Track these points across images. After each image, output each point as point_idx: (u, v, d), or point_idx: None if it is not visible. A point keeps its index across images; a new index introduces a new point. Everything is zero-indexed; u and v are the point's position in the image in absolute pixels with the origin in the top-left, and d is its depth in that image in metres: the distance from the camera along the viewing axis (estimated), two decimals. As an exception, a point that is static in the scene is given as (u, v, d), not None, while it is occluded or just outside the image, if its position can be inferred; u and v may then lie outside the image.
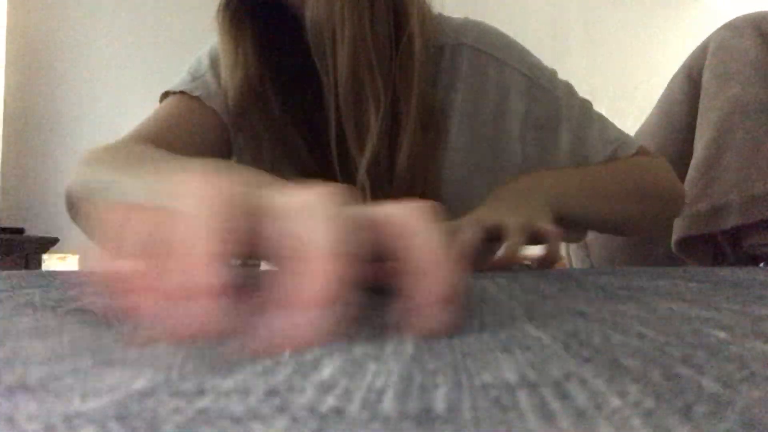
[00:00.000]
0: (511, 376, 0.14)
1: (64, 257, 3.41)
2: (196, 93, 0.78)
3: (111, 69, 3.44)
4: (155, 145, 0.73)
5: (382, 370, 0.15)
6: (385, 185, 0.75)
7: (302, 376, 0.14)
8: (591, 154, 0.81)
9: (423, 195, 0.74)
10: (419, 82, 0.73)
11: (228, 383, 0.13)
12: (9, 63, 3.40)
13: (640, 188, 0.81)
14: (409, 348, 0.18)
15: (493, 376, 0.14)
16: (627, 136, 0.85)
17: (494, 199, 0.69)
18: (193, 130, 0.78)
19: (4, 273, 0.52)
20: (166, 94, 0.82)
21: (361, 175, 0.73)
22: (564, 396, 0.13)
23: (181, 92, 0.79)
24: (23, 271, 0.56)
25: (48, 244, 2.97)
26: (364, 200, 0.74)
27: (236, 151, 0.80)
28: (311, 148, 0.78)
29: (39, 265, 2.95)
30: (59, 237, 3.02)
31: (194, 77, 0.81)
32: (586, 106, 0.85)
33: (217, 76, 0.80)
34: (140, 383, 0.13)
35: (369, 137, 0.72)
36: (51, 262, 3.26)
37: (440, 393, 0.13)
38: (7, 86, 3.39)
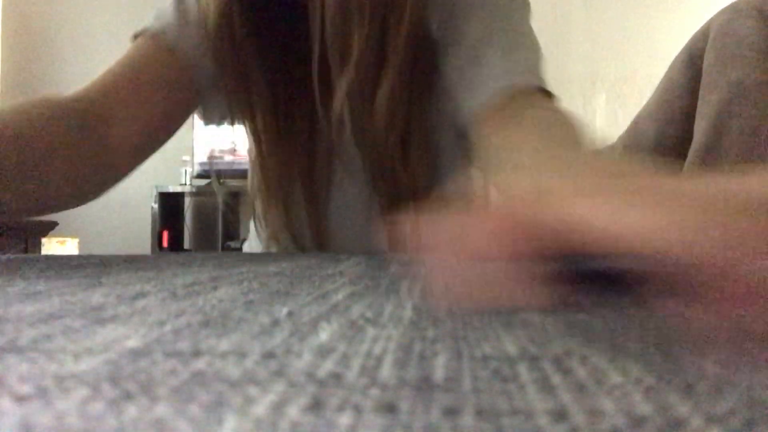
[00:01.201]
0: (511, 348, 0.14)
1: (64, 241, 3.41)
2: (164, 37, 0.72)
3: (108, 53, 3.43)
4: (117, 90, 0.69)
5: (381, 335, 0.15)
6: (365, 119, 0.70)
7: (300, 339, 0.14)
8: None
9: (406, 135, 0.71)
10: (411, 14, 0.68)
11: (224, 344, 0.13)
12: (5, 47, 3.40)
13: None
14: (408, 313, 0.18)
15: (493, 348, 0.14)
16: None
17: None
18: (152, 73, 0.72)
19: (3, 257, 0.52)
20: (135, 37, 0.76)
21: (338, 103, 0.69)
22: (565, 370, 0.13)
23: (146, 33, 0.73)
24: (22, 256, 0.56)
25: (47, 228, 2.97)
26: (343, 131, 0.71)
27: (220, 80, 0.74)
28: (292, 77, 0.74)
29: (39, 248, 2.96)
30: (58, 221, 3.03)
31: (158, 16, 0.75)
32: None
33: (179, 11, 0.74)
34: (133, 342, 0.13)
35: (350, 64, 0.68)
36: (50, 246, 3.27)
37: (440, 362, 0.13)
38: (4, 72, 3.38)
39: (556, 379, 0.12)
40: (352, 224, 0.78)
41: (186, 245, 3.78)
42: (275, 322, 0.16)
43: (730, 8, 0.96)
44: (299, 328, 0.15)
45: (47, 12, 3.46)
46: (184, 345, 0.13)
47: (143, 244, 3.66)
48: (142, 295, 0.21)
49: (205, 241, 3.78)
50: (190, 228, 3.81)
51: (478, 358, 0.13)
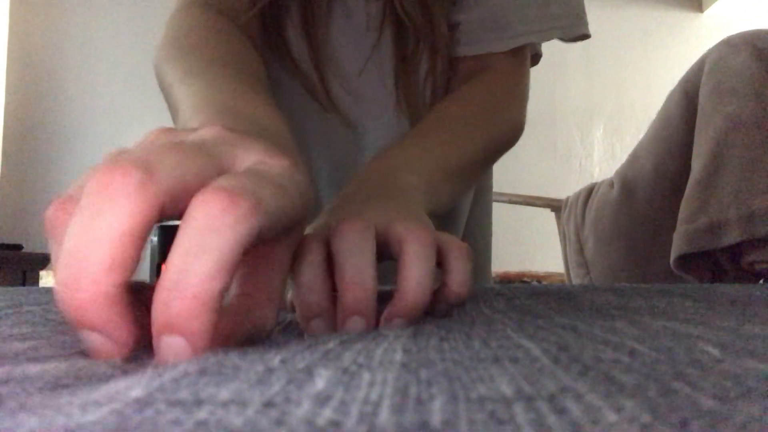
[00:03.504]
0: (506, 389, 0.14)
1: (63, 274, 3.39)
2: None
3: (112, 84, 3.45)
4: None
5: (376, 380, 0.15)
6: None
7: (297, 387, 0.14)
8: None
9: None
10: None
11: (224, 393, 0.13)
12: (9, 77, 3.42)
13: (496, 148, 0.68)
14: (398, 356, 0.18)
15: (488, 389, 0.14)
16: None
17: (355, 194, 0.47)
18: None
19: (3, 289, 0.52)
20: None
21: None
22: (560, 410, 0.13)
23: None
24: (24, 288, 0.56)
25: (46, 260, 2.97)
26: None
27: None
28: None
29: (37, 281, 2.95)
30: (58, 254, 3.01)
31: None
32: None
33: None
34: (137, 392, 0.13)
35: None
36: (49, 278, 3.26)
37: (436, 405, 0.13)
38: (8, 101, 3.40)
39: (551, 419, 0.12)
40: (357, 49, 0.73)
41: (185, 278, 3.76)
42: (270, 369, 0.16)
43: (724, 43, 0.97)
44: (295, 375, 0.15)
45: (51, 49, 3.49)
46: (185, 394, 0.13)
47: (142, 277, 3.65)
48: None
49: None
50: (190, 261, 3.80)
51: (474, 399, 0.13)
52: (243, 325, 0.25)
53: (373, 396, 0.14)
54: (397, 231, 0.35)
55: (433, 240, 0.35)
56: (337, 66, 0.74)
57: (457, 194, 0.63)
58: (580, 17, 0.73)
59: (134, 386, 0.14)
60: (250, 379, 0.15)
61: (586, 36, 0.73)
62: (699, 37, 3.75)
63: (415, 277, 0.33)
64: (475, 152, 0.64)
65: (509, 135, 0.69)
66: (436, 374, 0.16)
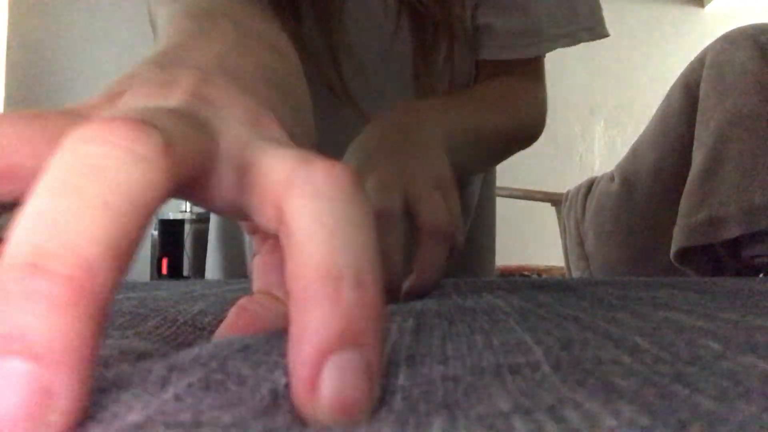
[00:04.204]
0: (504, 405, 0.14)
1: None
2: None
3: (111, 75, 3.45)
4: None
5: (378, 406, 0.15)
6: None
7: (299, 418, 0.14)
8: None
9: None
10: None
11: (226, 417, 0.13)
12: (9, 72, 3.42)
13: (515, 131, 0.70)
14: (399, 379, 0.18)
15: (486, 406, 0.14)
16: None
17: (379, 139, 0.50)
18: None
19: None
20: None
21: None
22: (559, 419, 0.13)
23: None
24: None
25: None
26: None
27: None
28: None
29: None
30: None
31: None
32: None
33: None
34: (134, 416, 0.13)
35: None
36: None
37: (437, 423, 0.13)
38: (7, 96, 3.40)
39: (550, 427, 0.12)
40: (374, 36, 0.71)
41: (185, 272, 3.77)
42: (275, 393, 0.15)
43: (726, 38, 0.97)
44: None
45: (51, 42, 3.49)
46: (185, 416, 0.13)
47: (143, 270, 3.66)
48: (143, 354, 0.21)
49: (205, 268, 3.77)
50: (190, 255, 3.80)
51: (473, 417, 0.13)
52: (260, 323, 0.22)
53: (375, 415, 0.14)
54: (419, 208, 0.42)
55: (448, 225, 0.42)
56: (352, 55, 0.72)
57: (472, 160, 0.67)
58: (600, 17, 0.73)
59: (134, 407, 0.13)
60: (255, 400, 0.14)
61: (605, 35, 0.73)
62: (700, 32, 3.75)
63: (428, 260, 0.41)
64: (494, 129, 0.66)
65: (526, 131, 0.71)
66: (436, 398, 0.15)
